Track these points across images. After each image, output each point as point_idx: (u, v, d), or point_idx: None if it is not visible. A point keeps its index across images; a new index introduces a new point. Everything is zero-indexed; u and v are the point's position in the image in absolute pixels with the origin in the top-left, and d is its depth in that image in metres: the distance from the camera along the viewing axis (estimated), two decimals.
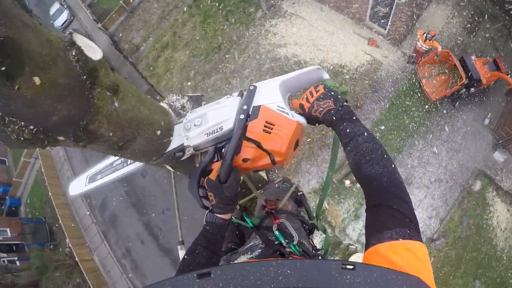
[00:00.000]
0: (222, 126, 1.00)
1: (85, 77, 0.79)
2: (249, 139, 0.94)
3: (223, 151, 1.02)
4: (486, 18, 9.45)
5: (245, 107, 0.96)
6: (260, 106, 0.95)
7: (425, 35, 7.60)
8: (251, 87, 1.01)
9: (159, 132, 1.15)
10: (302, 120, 0.98)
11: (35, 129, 0.75)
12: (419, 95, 8.45)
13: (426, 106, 8.40)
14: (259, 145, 0.94)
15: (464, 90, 7.88)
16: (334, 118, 0.90)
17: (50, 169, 13.76)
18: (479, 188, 7.83)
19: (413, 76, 8.54)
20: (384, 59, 8.80)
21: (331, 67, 8.98)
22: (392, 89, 8.52)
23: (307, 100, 0.96)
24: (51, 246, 13.28)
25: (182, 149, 1.14)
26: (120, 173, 1.46)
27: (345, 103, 0.93)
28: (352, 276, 0.39)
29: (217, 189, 0.91)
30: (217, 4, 11.30)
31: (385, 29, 8.86)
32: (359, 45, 9.06)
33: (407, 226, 0.63)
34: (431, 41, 7.53)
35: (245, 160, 0.96)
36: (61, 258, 12.14)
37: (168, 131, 1.21)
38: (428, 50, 7.93)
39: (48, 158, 14.37)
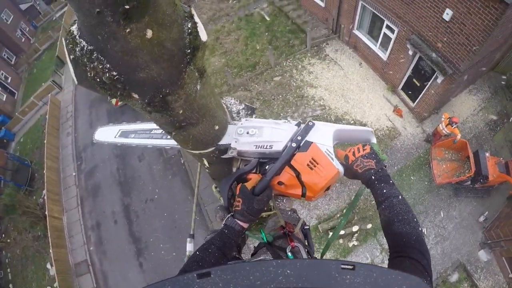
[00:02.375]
0: (272, 145, 1.07)
1: (188, 51, 0.79)
2: (291, 167, 1.00)
3: (267, 167, 1.07)
4: (510, 120, 9.62)
5: (299, 137, 1.04)
6: (312, 142, 1.03)
7: (449, 119, 7.71)
8: (310, 123, 1.09)
9: (217, 127, 1.18)
10: (341, 169, 1.05)
11: (116, 76, 0.73)
12: (425, 174, 8.49)
13: (429, 187, 8.44)
14: (298, 176, 1.00)
15: (469, 182, 7.91)
16: (373, 177, 1.00)
17: (54, 119, 13.75)
18: (455, 280, 7.72)
19: (426, 155, 8.61)
20: (404, 130, 8.91)
21: (352, 122, 9.08)
22: (403, 160, 8.57)
23: (353, 154, 1.06)
24: (27, 191, 13.08)
25: (226, 148, 1.19)
26: (155, 142, 1.45)
27: (384, 167, 1.03)
28: (352, 276, 0.39)
29: (248, 198, 0.97)
30: (266, 26, 11.62)
31: (414, 103, 9.02)
32: (385, 109, 9.21)
33: (425, 278, 0.72)
34: (453, 127, 7.62)
35: (280, 183, 1.02)
36: (32, 205, 11.90)
37: (224, 129, 1.25)
38: (448, 135, 8.02)
39: (56, 108, 14.40)
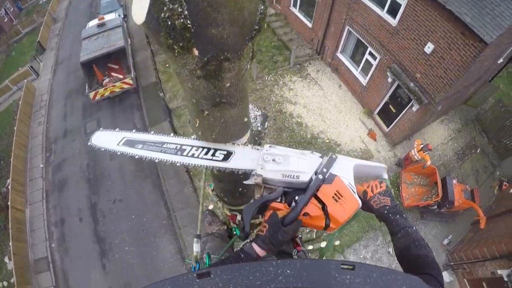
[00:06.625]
0: (299, 176, 1.08)
1: (256, 27, 0.82)
2: (317, 198, 1.02)
3: (296, 198, 1.07)
4: (478, 152, 10.16)
5: (325, 170, 1.07)
6: (336, 175, 1.05)
7: (422, 146, 8.03)
8: (334, 156, 1.12)
9: (245, 119, 1.20)
10: (360, 203, 1.09)
11: (189, 25, 0.71)
12: (394, 197, 8.72)
13: None
14: (323, 207, 1.01)
15: (436, 207, 8.24)
16: (386, 212, 1.10)
17: (27, 106, 13.10)
18: None
19: (396, 179, 8.92)
20: (376, 153, 9.21)
21: (327, 141, 9.31)
22: None
23: (372, 191, 1.15)
24: None
25: (248, 173, 1.18)
26: (167, 157, 1.31)
27: (397, 204, 1.13)
28: (352, 276, 0.39)
29: (276, 226, 0.96)
30: None
31: (388, 128, 9.35)
32: (359, 132, 9.50)
33: None
34: (424, 153, 7.95)
35: (305, 214, 1.01)
36: None
37: (247, 127, 1.27)
38: (418, 160, 8.34)
39: (31, 95, 13.74)
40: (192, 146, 1.31)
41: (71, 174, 10.46)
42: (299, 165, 1.10)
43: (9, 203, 10.00)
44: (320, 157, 1.15)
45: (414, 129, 9.13)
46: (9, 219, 9.63)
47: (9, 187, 10.60)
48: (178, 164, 1.32)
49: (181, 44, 0.75)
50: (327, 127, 9.51)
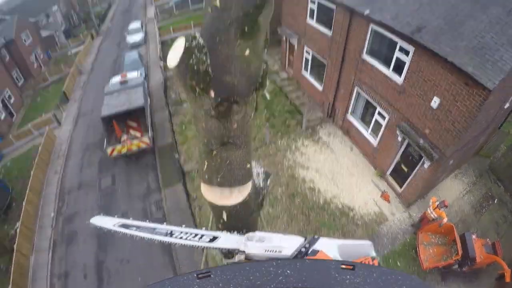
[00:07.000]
0: (281, 250, 1.16)
1: (260, 80, 1.05)
2: None
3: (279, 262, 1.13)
4: (495, 202, 9.77)
5: (307, 245, 1.15)
6: (319, 250, 1.12)
7: (437, 203, 7.81)
8: (315, 237, 1.19)
9: (248, 165, 1.31)
10: None
11: (210, 71, 0.90)
12: (412, 259, 8.34)
13: (416, 273, 8.21)
14: None
15: (456, 266, 7.72)
16: None
17: (46, 153, 13.62)
18: None
19: (412, 240, 8.55)
20: (391, 215, 8.98)
21: (340, 206, 9.19)
22: (389, 246, 8.47)
23: None
24: (0, 218, 12.38)
25: (232, 252, 1.29)
26: (159, 238, 1.51)
27: None
28: (351, 276, 0.39)
29: None
30: (265, 104, 12.26)
31: (401, 188, 9.22)
32: (373, 194, 9.40)
33: None
34: (441, 210, 7.72)
35: None
36: (2, 235, 11.22)
37: (250, 175, 1.39)
38: (435, 219, 8.03)
39: (51, 142, 14.35)
40: (181, 232, 1.50)
41: (81, 227, 10.44)
42: (281, 241, 1.20)
43: (15, 246, 9.86)
44: (303, 237, 1.24)
45: (427, 187, 8.98)
46: (13, 262, 9.46)
47: (18, 230, 10.57)
48: (166, 243, 1.51)
49: (201, 86, 0.94)
50: (339, 192, 9.47)
